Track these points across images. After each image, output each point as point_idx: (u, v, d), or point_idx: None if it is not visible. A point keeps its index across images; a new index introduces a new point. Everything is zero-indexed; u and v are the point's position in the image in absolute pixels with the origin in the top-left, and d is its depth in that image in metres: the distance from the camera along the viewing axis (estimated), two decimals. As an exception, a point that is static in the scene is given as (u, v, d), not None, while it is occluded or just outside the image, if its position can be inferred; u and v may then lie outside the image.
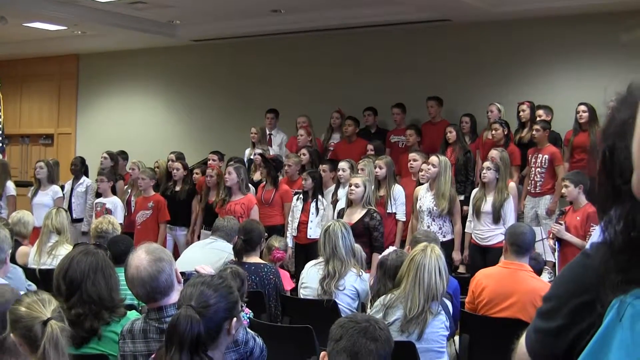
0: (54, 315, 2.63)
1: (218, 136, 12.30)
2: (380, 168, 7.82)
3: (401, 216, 7.85)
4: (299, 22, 10.94)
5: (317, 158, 9.41)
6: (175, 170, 9.37)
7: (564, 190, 6.97)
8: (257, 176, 9.35)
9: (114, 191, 9.53)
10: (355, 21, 10.68)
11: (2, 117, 11.05)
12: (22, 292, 3.07)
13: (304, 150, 9.39)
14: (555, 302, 1.33)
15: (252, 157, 9.84)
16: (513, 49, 10.28)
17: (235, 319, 2.71)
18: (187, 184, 9.37)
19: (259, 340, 3.28)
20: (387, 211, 7.73)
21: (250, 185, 8.72)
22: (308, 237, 8.02)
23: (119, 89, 14.07)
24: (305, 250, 7.90)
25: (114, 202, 9.12)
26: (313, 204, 8.10)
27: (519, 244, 4.87)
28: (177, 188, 9.38)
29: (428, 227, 7.37)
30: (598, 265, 1.22)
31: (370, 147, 9.21)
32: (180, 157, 9.77)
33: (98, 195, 9.48)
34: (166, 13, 11.23)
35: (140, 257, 3.11)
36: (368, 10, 10.28)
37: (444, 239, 7.24)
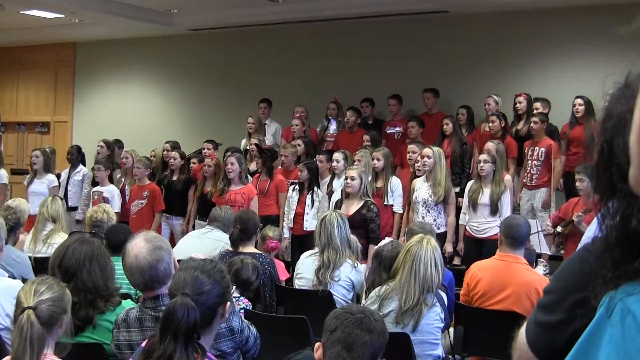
0: (39, 305, 2.64)
1: (215, 125, 12.28)
2: (378, 160, 7.82)
3: (398, 208, 7.85)
4: (296, 12, 10.91)
5: (312, 148, 9.40)
6: (172, 160, 9.38)
7: (577, 184, 6.88)
8: (252, 166, 9.35)
9: (111, 180, 9.53)
10: (353, 11, 10.65)
11: (-1, 104, 11.03)
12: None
13: (299, 141, 9.38)
14: (556, 295, 1.33)
15: (247, 147, 9.83)
16: (511, 41, 10.27)
17: (228, 302, 2.70)
18: (183, 174, 9.38)
19: (253, 329, 3.30)
20: (384, 203, 7.73)
21: (248, 175, 8.73)
22: (304, 229, 8.01)
23: (116, 77, 14.04)
24: (301, 242, 7.90)
25: (111, 190, 9.13)
26: (309, 196, 8.08)
27: (514, 236, 4.87)
28: (174, 178, 9.38)
29: (423, 218, 7.36)
30: (594, 260, 1.22)
31: (366, 137, 9.21)
32: (175, 146, 9.77)
33: (95, 183, 9.47)
34: (164, 2, 11.20)
35: (139, 245, 3.10)
36: (367, 0, 10.25)
37: (439, 231, 7.22)
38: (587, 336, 1.13)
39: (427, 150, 7.57)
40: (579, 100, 8.53)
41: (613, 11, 8.95)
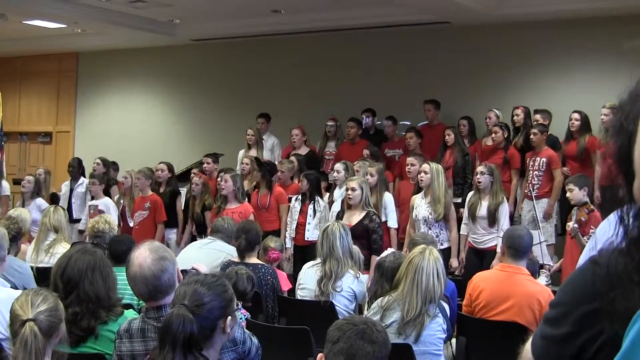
0: (38, 316, 2.64)
1: (216, 136, 12.30)
2: (372, 175, 7.74)
3: (393, 223, 7.78)
4: (299, 23, 10.94)
5: (304, 165, 9.28)
6: (160, 172, 9.33)
7: (568, 194, 6.92)
8: (245, 184, 9.20)
9: (106, 193, 9.54)
10: (355, 22, 10.67)
11: (1, 114, 11.05)
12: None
13: (292, 158, 9.32)
14: (562, 308, 1.32)
15: (244, 159, 9.77)
16: (512, 53, 10.28)
17: (230, 317, 2.70)
18: (170, 186, 9.37)
19: (255, 339, 3.30)
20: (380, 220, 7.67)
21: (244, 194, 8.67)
22: (306, 239, 8.01)
23: (118, 87, 14.06)
24: (303, 252, 7.90)
25: (105, 203, 9.14)
26: (311, 206, 8.08)
27: (516, 247, 4.87)
28: (161, 190, 9.36)
29: (424, 235, 7.37)
30: (612, 268, 1.20)
31: (366, 152, 9.13)
32: (170, 167, 9.64)
33: (91, 198, 9.50)
34: (166, 12, 11.23)
35: (144, 255, 3.09)
36: (368, 11, 10.28)
37: (441, 247, 7.19)
38: (628, 350, 1.11)
39: (425, 166, 7.55)
40: (576, 115, 8.52)
41: (614, 23, 8.98)
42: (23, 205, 9.31)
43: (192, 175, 9.46)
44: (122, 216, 9.28)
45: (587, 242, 6.39)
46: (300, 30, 11.27)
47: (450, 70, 10.63)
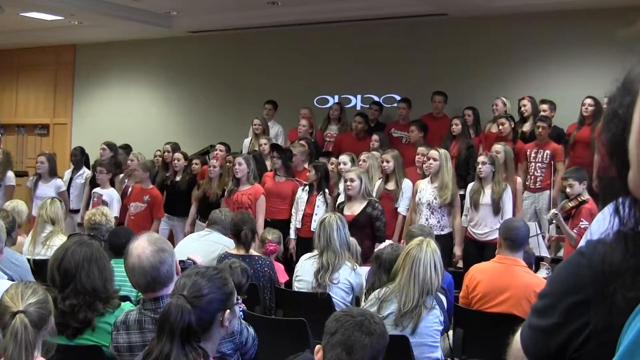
0: (28, 308, 2.64)
1: (215, 127, 12.29)
2: (388, 162, 7.75)
3: (403, 209, 7.76)
4: (296, 14, 10.92)
5: (315, 149, 9.35)
6: (176, 161, 9.37)
7: (568, 189, 6.91)
8: (268, 165, 9.21)
9: (112, 183, 9.50)
10: (353, 14, 10.65)
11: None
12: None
13: (302, 142, 9.31)
14: (549, 299, 1.33)
15: (257, 148, 9.71)
16: (512, 44, 10.26)
17: (229, 310, 2.70)
18: (187, 174, 9.37)
19: (251, 330, 3.31)
20: (397, 206, 7.67)
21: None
22: (312, 230, 7.89)
23: (115, 79, 14.03)
24: (306, 244, 7.79)
25: (110, 194, 9.08)
26: (319, 197, 7.95)
27: (513, 238, 4.87)
28: (177, 178, 9.37)
29: (426, 220, 7.32)
30: (608, 260, 1.20)
31: (375, 137, 9.15)
32: (176, 147, 9.74)
33: (95, 185, 9.41)
34: (163, 4, 11.21)
35: (143, 246, 3.09)
36: (366, 2, 10.25)
37: (442, 232, 7.25)
38: (630, 345, 1.10)
39: (433, 153, 7.53)
40: (589, 101, 8.43)
41: (615, 13, 8.94)
42: (38, 184, 9.30)
43: (195, 164, 9.44)
44: (123, 196, 9.26)
45: (575, 232, 6.42)
46: (297, 22, 11.26)
47: (450, 61, 10.60)
